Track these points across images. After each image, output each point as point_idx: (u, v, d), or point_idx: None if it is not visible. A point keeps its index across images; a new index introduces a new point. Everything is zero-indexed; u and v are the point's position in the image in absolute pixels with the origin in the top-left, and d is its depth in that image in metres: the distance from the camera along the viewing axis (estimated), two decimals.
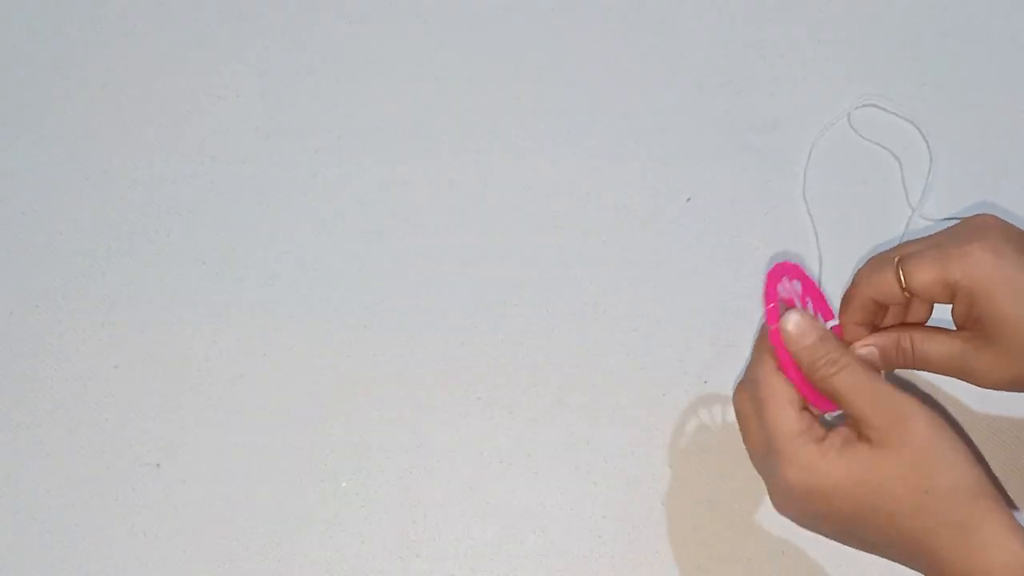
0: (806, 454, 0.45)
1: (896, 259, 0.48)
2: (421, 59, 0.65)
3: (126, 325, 0.60)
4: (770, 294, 0.48)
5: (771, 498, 0.48)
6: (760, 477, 0.49)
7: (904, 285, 0.48)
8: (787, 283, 0.50)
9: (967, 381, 0.49)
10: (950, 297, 0.48)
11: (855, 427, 0.46)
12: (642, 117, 0.64)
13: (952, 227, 0.49)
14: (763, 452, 0.47)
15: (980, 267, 0.46)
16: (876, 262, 0.50)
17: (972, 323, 0.48)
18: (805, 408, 0.47)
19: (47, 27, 0.65)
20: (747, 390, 0.49)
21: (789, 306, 0.49)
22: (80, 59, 0.65)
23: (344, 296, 0.61)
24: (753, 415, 0.48)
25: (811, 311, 0.51)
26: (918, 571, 0.45)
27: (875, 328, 0.51)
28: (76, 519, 0.57)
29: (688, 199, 0.63)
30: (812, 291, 0.52)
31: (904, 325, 0.51)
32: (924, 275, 0.47)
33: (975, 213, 0.50)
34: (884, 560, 0.47)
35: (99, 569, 0.56)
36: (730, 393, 0.58)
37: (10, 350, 0.59)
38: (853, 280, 0.51)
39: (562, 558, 0.56)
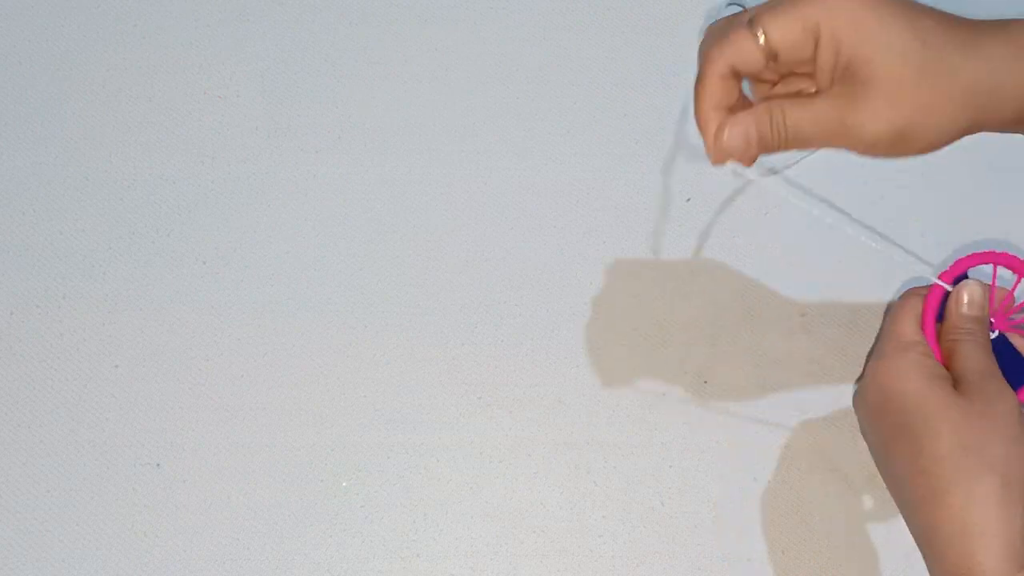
0: (901, 358, 0.48)
1: (748, 18, 0.44)
2: (421, 59, 0.65)
3: (126, 325, 0.60)
4: (959, 264, 0.51)
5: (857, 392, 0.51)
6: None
7: (762, 41, 0.43)
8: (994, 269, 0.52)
9: (849, 148, 0.44)
10: (813, 46, 0.43)
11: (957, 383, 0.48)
12: (642, 117, 0.64)
13: None
14: (877, 347, 0.51)
15: (839, 3, 0.42)
16: (724, 25, 0.45)
17: (841, 72, 0.43)
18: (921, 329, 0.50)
19: (47, 27, 0.65)
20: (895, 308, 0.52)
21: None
22: (80, 59, 0.65)
23: (344, 296, 0.61)
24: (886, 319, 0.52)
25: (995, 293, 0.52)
26: (913, 526, 0.46)
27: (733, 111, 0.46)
28: (76, 519, 0.57)
29: (688, 199, 0.63)
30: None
31: (770, 100, 0.45)
32: (783, 26, 0.42)
33: None
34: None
35: (99, 569, 0.56)
36: (730, 393, 0.58)
37: (10, 350, 0.59)
38: (703, 53, 0.45)
39: (562, 558, 0.56)
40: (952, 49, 0.42)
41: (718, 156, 0.45)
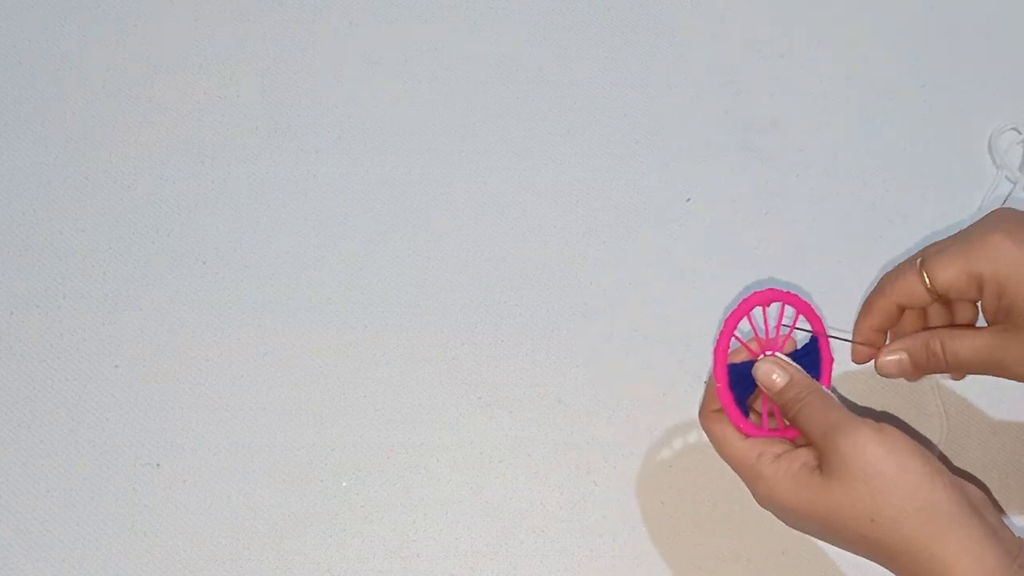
0: (763, 483, 0.47)
1: (919, 260, 0.49)
2: (421, 59, 0.65)
3: (126, 325, 0.60)
4: (723, 337, 0.50)
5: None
6: None
7: (929, 285, 0.48)
8: (757, 314, 0.51)
9: (1003, 376, 0.49)
10: (977, 290, 0.48)
11: (816, 455, 0.47)
12: (642, 117, 0.64)
13: (971, 225, 0.49)
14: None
15: (1004, 254, 0.46)
16: (899, 267, 0.50)
17: (1003, 314, 0.47)
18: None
19: (47, 27, 0.65)
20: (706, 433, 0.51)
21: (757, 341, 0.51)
22: (80, 59, 0.65)
23: (344, 296, 0.61)
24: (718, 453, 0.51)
25: (784, 334, 0.51)
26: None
27: (891, 333, 0.52)
28: (76, 519, 0.57)
29: (688, 199, 0.63)
30: (797, 305, 0.52)
31: (929, 329, 0.51)
32: (948, 271, 0.48)
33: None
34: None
35: (99, 569, 0.56)
36: None
37: (10, 350, 0.59)
38: (878, 286, 0.51)
39: (562, 558, 0.56)
40: None
41: (881, 372, 0.52)
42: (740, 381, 0.50)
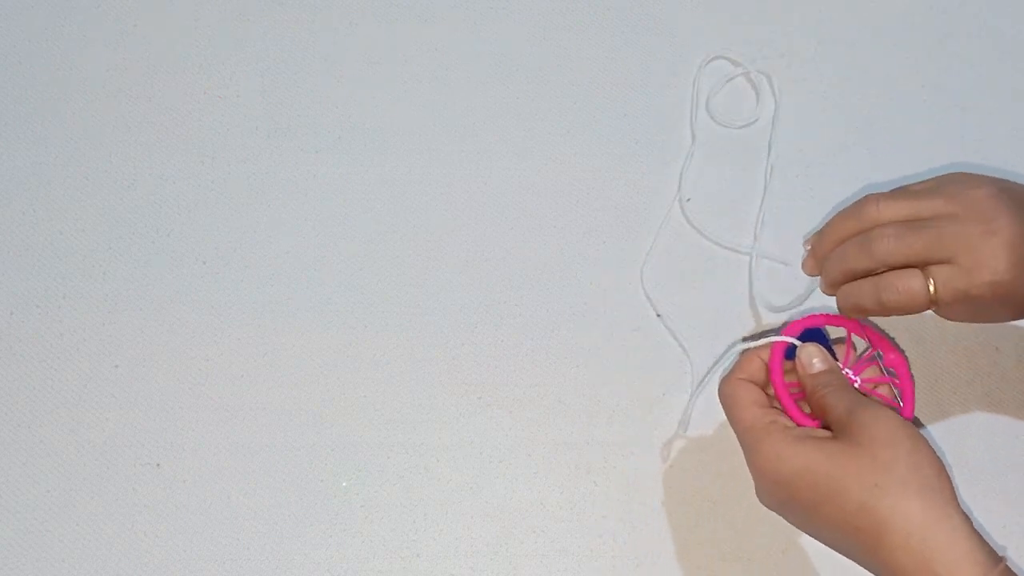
0: (770, 443, 0.48)
1: (925, 274, 0.48)
2: (421, 59, 0.65)
3: (126, 325, 0.60)
4: (791, 327, 0.53)
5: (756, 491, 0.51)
6: None
7: (933, 296, 0.48)
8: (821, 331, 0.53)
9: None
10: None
11: (834, 433, 0.48)
12: (642, 117, 0.64)
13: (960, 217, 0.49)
14: (744, 448, 0.50)
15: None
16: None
17: None
18: (770, 405, 0.50)
19: (47, 27, 0.65)
20: (721, 397, 0.52)
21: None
22: (80, 59, 0.65)
23: (344, 296, 0.61)
24: (729, 418, 0.51)
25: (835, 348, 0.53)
26: (873, 572, 0.45)
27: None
28: (76, 519, 0.57)
29: (688, 199, 0.63)
30: (860, 331, 0.53)
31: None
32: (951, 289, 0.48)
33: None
34: None
35: (99, 569, 0.56)
36: None
37: (10, 350, 0.59)
38: (879, 284, 0.50)
39: (562, 558, 0.56)
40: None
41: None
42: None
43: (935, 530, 0.43)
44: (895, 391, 0.51)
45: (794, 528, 0.49)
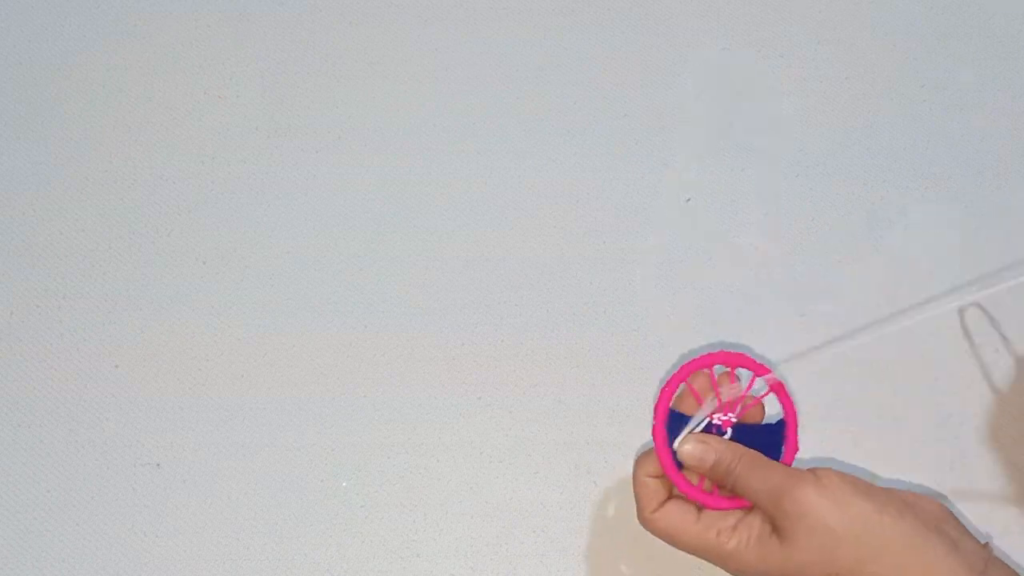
0: (725, 559, 0.46)
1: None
2: (421, 59, 0.65)
3: (126, 325, 0.60)
4: (656, 428, 0.48)
5: None
6: None
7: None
8: (698, 378, 0.48)
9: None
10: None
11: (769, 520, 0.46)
12: (642, 117, 0.64)
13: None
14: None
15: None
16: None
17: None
18: (700, 509, 0.47)
19: (47, 27, 0.65)
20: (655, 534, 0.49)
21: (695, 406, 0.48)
22: (80, 59, 0.65)
23: (344, 296, 0.61)
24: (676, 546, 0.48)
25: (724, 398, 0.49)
26: None
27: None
28: (76, 519, 0.57)
29: (688, 199, 0.63)
30: (737, 361, 0.49)
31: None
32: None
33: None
34: None
35: (99, 569, 0.56)
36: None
37: (10, 350, 0.59)
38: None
39: (562, 558, 0.56)
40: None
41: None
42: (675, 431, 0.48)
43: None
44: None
45: None
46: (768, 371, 0.48)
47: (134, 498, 0.57)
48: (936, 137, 0.64)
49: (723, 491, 0.47)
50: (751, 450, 0.47)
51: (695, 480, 0.47)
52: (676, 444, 0.47)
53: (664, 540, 0.47)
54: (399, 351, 0.60)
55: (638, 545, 0.57)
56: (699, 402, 0.48)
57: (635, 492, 0.48)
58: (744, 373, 0.49)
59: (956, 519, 0.45)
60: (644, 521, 0.48)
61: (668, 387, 0.48)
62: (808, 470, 0.45)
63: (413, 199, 0.62)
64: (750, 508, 0.47)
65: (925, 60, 0.66)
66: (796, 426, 0.48)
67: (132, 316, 0.60)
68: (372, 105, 0.64)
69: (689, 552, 0.47)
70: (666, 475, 0.47)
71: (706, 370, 0.48)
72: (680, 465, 0.47)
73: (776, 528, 0.45)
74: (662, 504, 0.47)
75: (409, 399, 0.59)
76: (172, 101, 0.64)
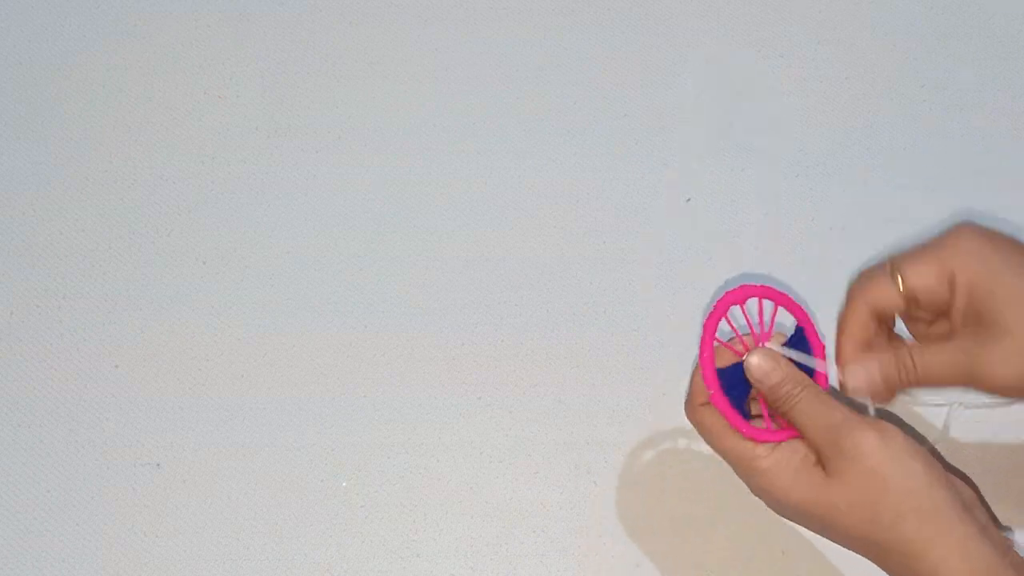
0: (760, 479, 0.47)
1: (888, 264, 0.48)
2: (421, 59, 0.65)
3: (126, 325, 0.60)
4: (705, 343, 0.49)
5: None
6: None
7: (901, 287, 0.47)
8: (739, 310, 0.50)
9: (978, 388, 0.47)
10: (949, 291, 0.47)
11: (818, 455, 0.46)
12: (642, 117, 0.64)
13: (937, 234, 0.49)
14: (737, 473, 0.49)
15: (975, 253, 0.46)
16: (868, 272, 0.49)
17: (974, 318, 0.46)
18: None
19: (47, 27, 0.65)
20: (693, 424, 0.50)
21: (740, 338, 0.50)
22: (80, 59, 0.65)
23: (344, 296, 0.61)
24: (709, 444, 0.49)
25: (769, 331, 0.50)
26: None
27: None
28: (76, 519, 0.57)
29: (688, 199, 0.63)
30: (775, 298, 0.50)
31: (902, 344, 0.50)
32: (921, 272, 0.47)
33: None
34: None
35: (99, 569, 0.56)
36: None
37: (10, 350, 0.59)
38: (848, 295, 0.49)
39: (562, 558, 0.56)
40: None
41: (846, 390, 0.48)
42: (735, 385, 0.49)
43: (933, 549, 0.43)
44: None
45: (794, 529, 0.49)
46: (772, 292, 0.50)
47: (134, 498, 0.57)
48: (936, 137, 0.64)
49: (780, 420, 0.48)
50: (815, 383, 0.48)
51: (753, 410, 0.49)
52: (745, 363, 0.48)
53: (702, 435, 0.49)
54: (399, 351, 0.60)
55: (638, 545, 0.57)
56: (738, 350, 0.49)
57: (691, 380, 0.49)
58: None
59: (984, 506, 0.46)
60: (690, 411, 0.49)
61: (705, 341, 0.49)
62: (871, 419, 0.45)
63: (413, 199, 0.62)
64: (793, 438, 0.47)
65: (925, 60, 0.66)
66: (813, 327, 0.50)
67: (132, 316, 0.60)
68: (372, 105, 0.64)
69: (720, 454, 0.48)
70: (724, 416, 0.48)
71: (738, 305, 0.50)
72: (740, 408, 0.48)
73: (824, 462, 0.45)
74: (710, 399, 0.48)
75: (409, 399, 0.59)
76: (172, 101, 0.64)
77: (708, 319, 0.49)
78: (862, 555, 0.46)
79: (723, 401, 0.48)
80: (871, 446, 0.44)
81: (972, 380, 0.46)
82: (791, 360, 0.48)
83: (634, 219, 0.62)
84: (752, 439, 0.47)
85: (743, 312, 0.50)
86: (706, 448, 0.57)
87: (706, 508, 0.57)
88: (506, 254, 0.61)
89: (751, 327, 0.50)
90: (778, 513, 0.49)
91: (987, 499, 0.53)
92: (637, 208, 0.62)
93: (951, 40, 0.66)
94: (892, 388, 0.48)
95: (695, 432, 0.58)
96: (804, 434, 0.47)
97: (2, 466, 0.57)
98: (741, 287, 0.50)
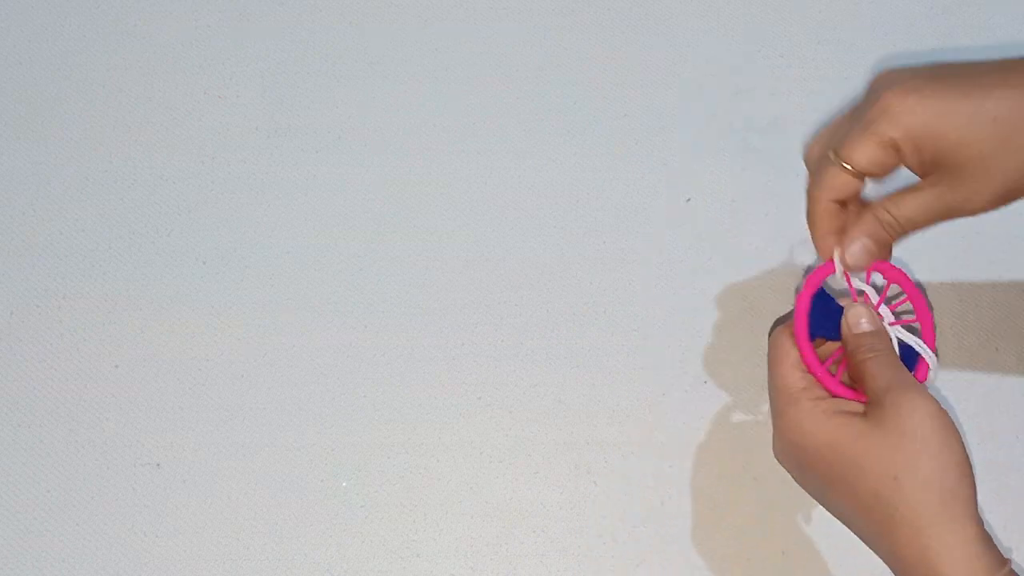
0: (796, 412, 0.47)
1: (832, 154, 0.48)
2: (421, 59, 0.65)
3: (126, 325, 0.60)
4: (810, 282, 0.50)
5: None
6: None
7: (852, 170, 0.48)
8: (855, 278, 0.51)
9: (961, 217, 0.48)
10: (897, 155, 0.47)
11: (868, 408, 0.47)
12: (642, 117, 0.64)
13: (861, 100, 0.49)
14: (771, 404, 0.50)
15: (906, 113, 0.46)
16: (814, 167, 0.50)
17: (930, 166, 0.47)
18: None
19: (47, 27, 0.65)
20: (769, 344, 0.51)
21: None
22: (80, 59, 0.65)
23: (344, 296, 0.61)
24: (768, 370, 0.50)
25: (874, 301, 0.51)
26: (880, 556, 0.45)
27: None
28: (76, 519, 0.57)
29: (688, 199, 0.63)
30: (913, 296, 0.52)
31: (871, 204, 0.50)
32: (864, 151, 0.47)
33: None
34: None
35: (99, 569, 0.56)
36: (730, 394, 0.59)
37: (10, 350, 0.59)
38: (807, 196, 0.50)
39: (562, 557, 0.56)
40: (1019, 116, 0.45)
41: (853, 264, 0.50)
42: (826, 318, 0.50)
43: (945, 532, 0.43)
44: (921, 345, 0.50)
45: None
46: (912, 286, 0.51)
47: (134, 498, 0.57)
48: None
49: (846, 379, 0.49)
50: (895, 352, 0.49)
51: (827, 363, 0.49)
52: (847, 306, 0.49)
53: (769, 356, 0.50)
54: (399, 351, 0.60)
55: (638, 545, 0.57)
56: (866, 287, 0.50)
57: (795, 308, 0.50)
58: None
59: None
60: (779, 328, 0.51)
61: (818, 272, 0.50)
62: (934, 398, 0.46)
63: (413, 199, 0.62)
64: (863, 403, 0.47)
65: (925, 60, 0.66)
66: (934, 349, 0.50)
67: (132, 316, 0.60)
68: (372, 105, 0.64)
69: (771, 381, 0.49)
70: (798, 346, 0.49)
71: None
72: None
73: (871, 413, 0.46)
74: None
75: (409, 399, 0.59)
76: (172, 101, 0.64)
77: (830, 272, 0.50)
78: (859, 521, 0.46)
79: (805, 334, 0.49)
80: (928, 411, 0.45)
81: (951, 215, 0.48)
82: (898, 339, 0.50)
83: (634, 219, 0.62)
84: (815, 375, 0.48)
85: (884, 290, 0.51)
86: (706, 449, 0.57)
87: (706, 508, 0.57)
88: (506, 254, 0.62)
89: (871, 295, 0.51)
90: (792, 460, 0.48)
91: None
92: (637, 208, 0.62)
93: (951, 40, 0.66)
94: (887, 245, 0.50)
95: (695, 432, 0.58)
96: (867, 384, 0.47)
97: (2, 466, 0.57)
98: (891, 265, 0.51)
